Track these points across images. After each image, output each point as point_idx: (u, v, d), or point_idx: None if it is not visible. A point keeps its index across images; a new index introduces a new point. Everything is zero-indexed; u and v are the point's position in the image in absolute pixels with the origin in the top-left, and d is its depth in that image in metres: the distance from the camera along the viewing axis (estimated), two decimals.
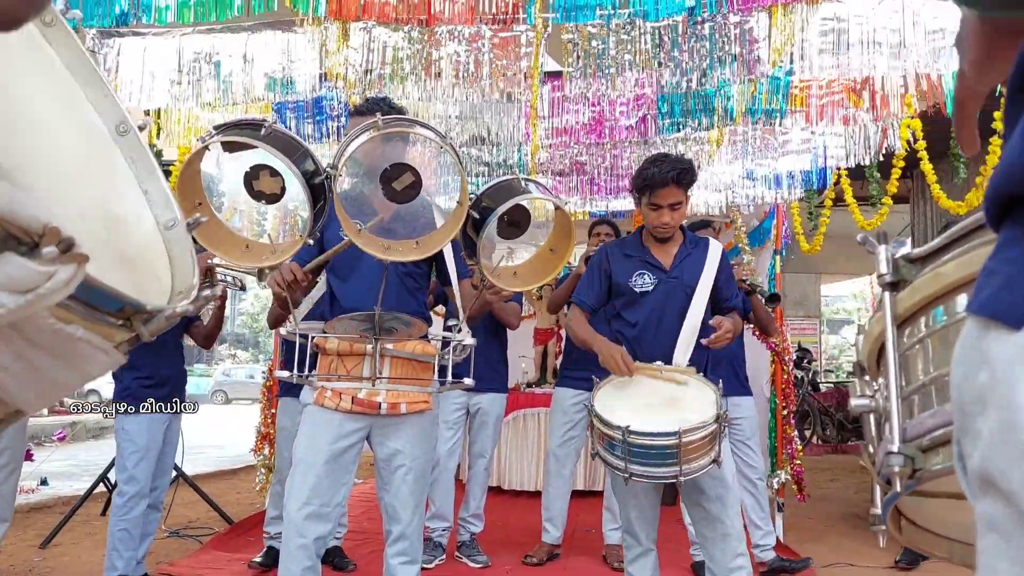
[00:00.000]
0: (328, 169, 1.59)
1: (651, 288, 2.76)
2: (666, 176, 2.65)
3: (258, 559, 4.02)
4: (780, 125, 4.80)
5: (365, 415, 2.47)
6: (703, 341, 2.65)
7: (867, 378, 0.82)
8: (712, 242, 2.91)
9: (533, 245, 2.27)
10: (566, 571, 4.23)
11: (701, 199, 5.81)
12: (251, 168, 1.50)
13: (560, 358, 6.38)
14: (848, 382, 13.21)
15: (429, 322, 2.58)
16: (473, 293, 2.50)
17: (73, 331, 0.58)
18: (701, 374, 2.65)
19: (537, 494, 5.38)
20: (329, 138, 4.91)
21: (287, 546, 2.42)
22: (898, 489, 0.72)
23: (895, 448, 0.72)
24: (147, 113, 4.73)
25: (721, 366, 3.55)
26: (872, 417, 0.79)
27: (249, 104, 4.70)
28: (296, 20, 4.01)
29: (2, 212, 0.46)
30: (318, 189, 1.58)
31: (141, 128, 0.89)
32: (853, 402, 0.79)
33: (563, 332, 5.40)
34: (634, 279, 2.78)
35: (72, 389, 0.69)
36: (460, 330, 2.21)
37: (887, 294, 0.77)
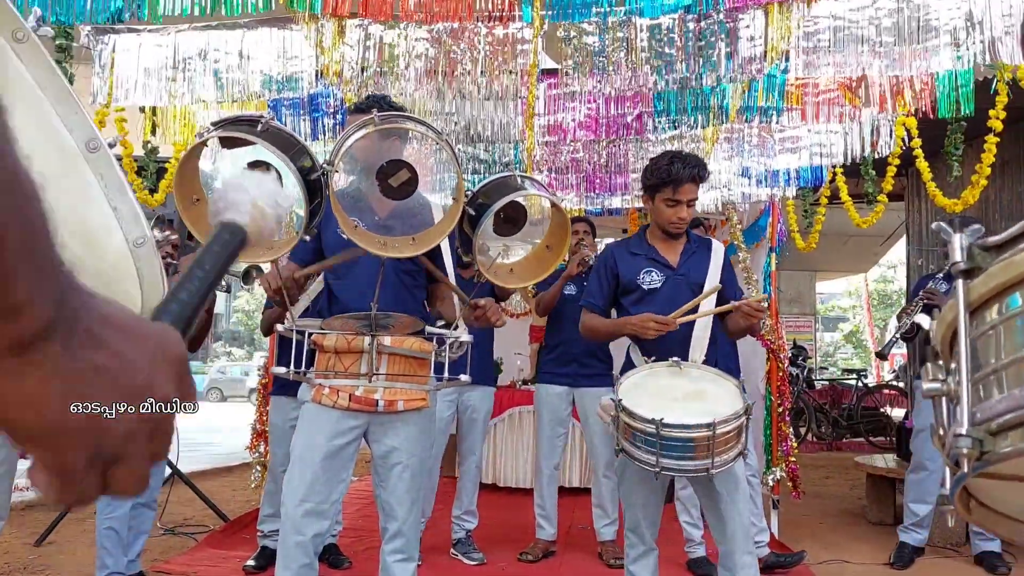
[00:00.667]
0: (324, 166, 1.59)
1: (659, 285, 2.80)
2: (691, 173, 2.72)
3: (251, 562, 4.01)
4: (776, 123, 4.81)
5: (363, 412, 2.47)
6: (733, 304, 2.70)
7: (940, 362, 0.84)
8: (715, 242, 2.97)
9: (530, 243, 2.27)
10: (561, 568, 4.23)
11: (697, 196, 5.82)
12: (247, 164, 1.50)
13: (539, 354, 6.40)
14: (843, 380, 13.25)
15: (426, 319, 2.58)
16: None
17: None
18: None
19: (533, 491, 5.38)
20: (325, 135, 4.91)
21: (284, 543, 2.41)
22: (965, 470, 0.74)
23: (964, 431, 0.74)
24: (142, 110, 4.72)
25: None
26: (944, 400, 0.81)
27: (245, 101, 4.69)
28: (293, 17, 4.00)
29: None
30: (314, 186, 1.57)
31: (111, 145, 0.90)
32: (925, 385, 0.81)
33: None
34: (642, 276, 2.81)
35: None
36: (456, 327, 2.21)
37: (961, 281, 0.79)
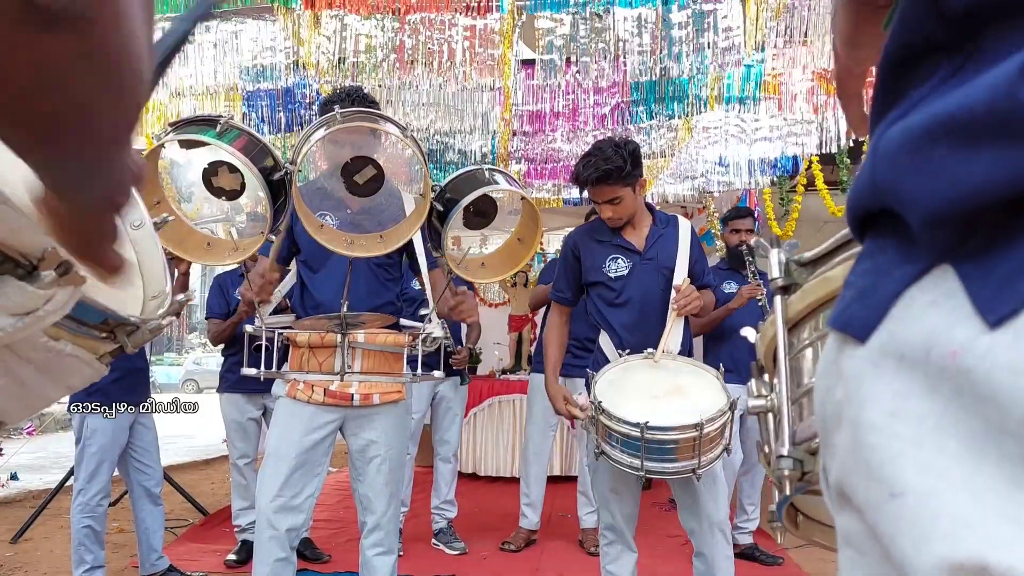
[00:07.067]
0: (288, 166, 1.57)
1: (626, 272, 2.63)
2: (588, 178, 2.55)
3: (232, 556, 4.03)
4: (753, 112, 4.83)
5: (338, 407, 2.47)
6: (672, 305, 2.54)
7: (765, 378, 0.82)
8: (681, 220, 2.78)
9: (506, 232, 2.25)
10: (543, 556, 4.26)
11: (674, 186, 5.86)
12: (209, 164, 1.49)
13: (535, 344, 6.42)
14: None
15: (399, 313, 2.57)
16: (441, 283, 2.48)
17: (62, 347, 0.58)
18: (691, 357, 2.56)
19: (513, 480, 5.41)
20: (301, 127, 4.87)
21: (259, 538, 2.42)
22: (787, 492, 0.74)
23: (785, 451, 0.73)
24: None
25: (722, 353, 3.82)
26: (769, 416, 0.79)
27: (220, 92, 4.65)
28: (271, 8, 3.96)
29: (2, 237, 0.45)
30: (279, 185, 1.56)
31: None
32: (750, 402, 0.80)
33: (537, 319, 5.42)
34: (607, 264, 2.65)
35: (54, 401, 0.68)
36: (430, 320, 2.20)
37: (779, 297, 0.78)
